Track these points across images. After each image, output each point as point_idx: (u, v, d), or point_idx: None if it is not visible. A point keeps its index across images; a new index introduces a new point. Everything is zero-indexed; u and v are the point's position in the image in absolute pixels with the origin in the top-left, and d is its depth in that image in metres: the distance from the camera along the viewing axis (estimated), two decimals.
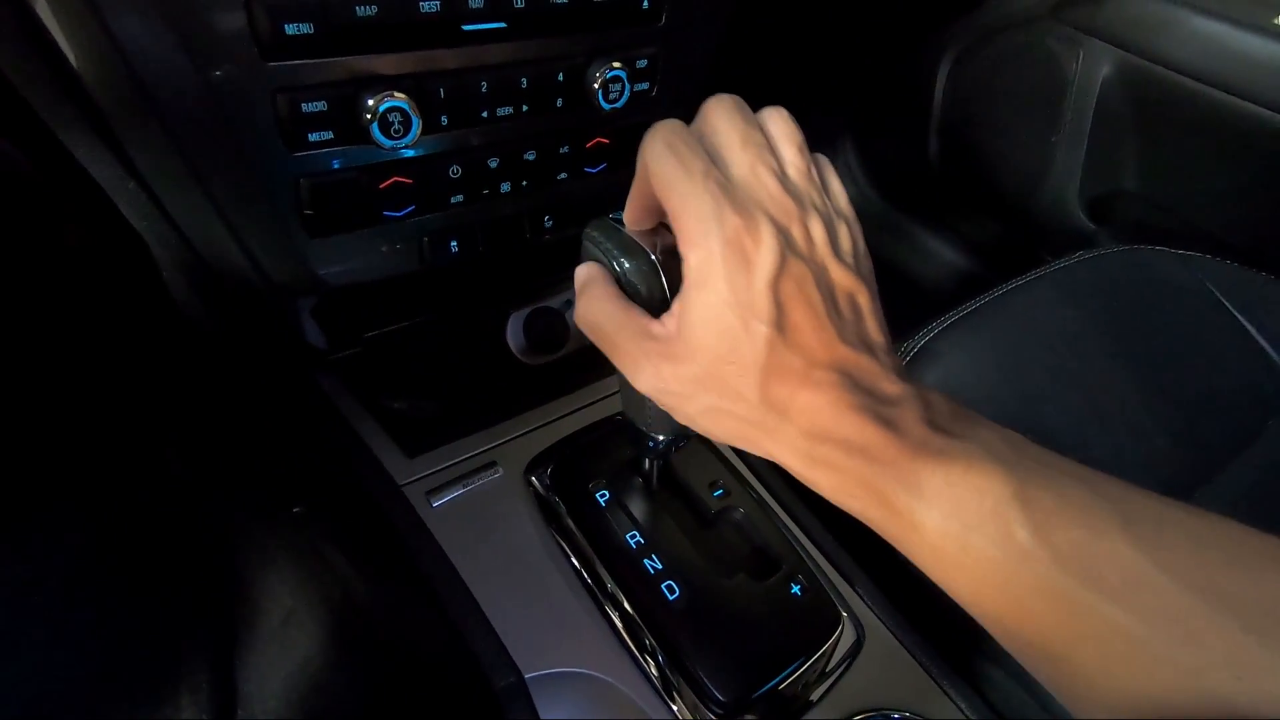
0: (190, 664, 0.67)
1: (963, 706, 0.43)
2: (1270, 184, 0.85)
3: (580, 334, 0.72)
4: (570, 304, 0.68)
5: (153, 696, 0.64)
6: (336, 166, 0.38)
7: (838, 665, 0.44)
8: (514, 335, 0.64)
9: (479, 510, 0.48)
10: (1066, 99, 1.03)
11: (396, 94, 0.36)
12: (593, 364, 0.62)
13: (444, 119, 0.39)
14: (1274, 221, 0.87)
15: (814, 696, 0.43)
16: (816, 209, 0.27)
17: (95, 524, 0.68)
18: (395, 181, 0.40)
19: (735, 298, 0.25)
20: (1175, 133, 0.94)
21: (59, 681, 0.61)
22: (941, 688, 0.44)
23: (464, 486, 0.49)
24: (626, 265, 0.33)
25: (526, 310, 0.65)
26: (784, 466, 0.27)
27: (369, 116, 0.35)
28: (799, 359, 0.25)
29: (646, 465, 0.46)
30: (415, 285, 0.55)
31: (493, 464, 0.50)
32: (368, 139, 0.36)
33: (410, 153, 0.40)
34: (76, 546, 0.67)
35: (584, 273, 0.32)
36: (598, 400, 0.58)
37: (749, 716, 0.41)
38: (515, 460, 0.51)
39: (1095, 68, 0.98)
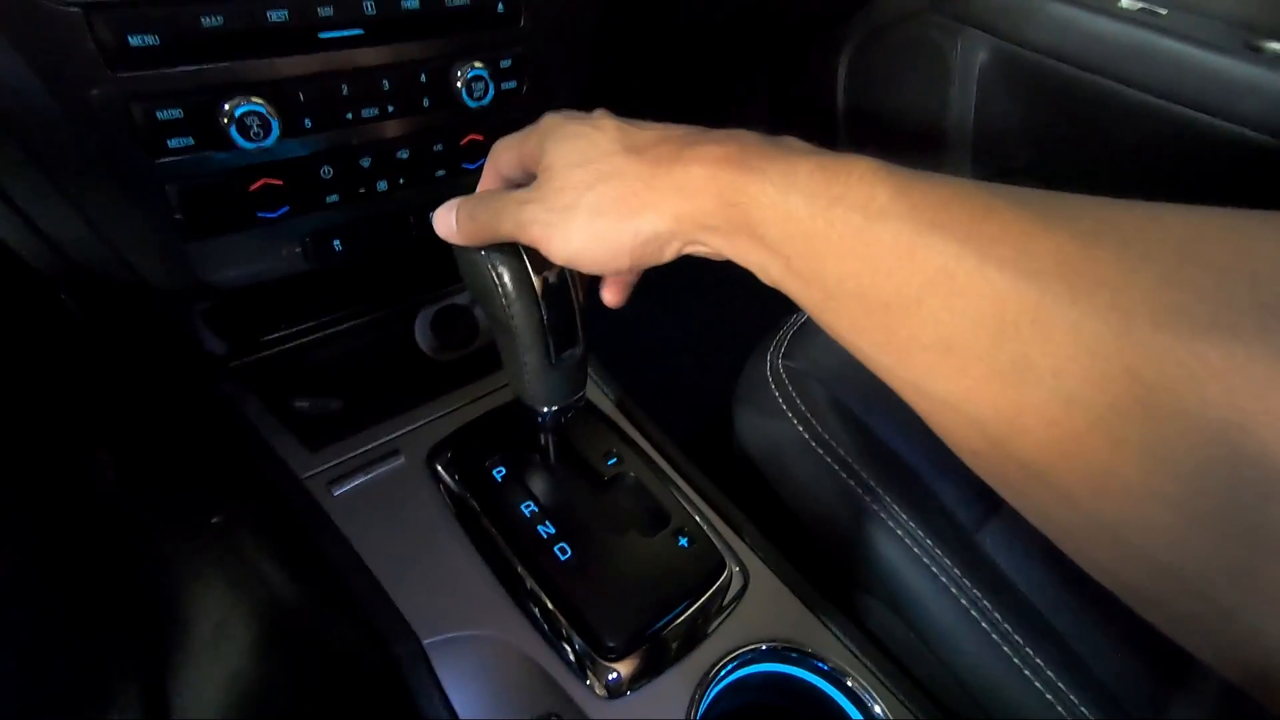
0: (120, 683, 0.67)
1: (838, 633, 0.46)
2: (1131, 152, 0.93)
3: (489, 329, 0.74)
4: (476, 301, 0.70)
5: (81, 717, 0.64)
6: (202, 171, 0.40)
7: (726, 607, 0.47)
8: (422, 332, 0.67)
9: (381, 496, 0.50)
10: (951, 86, 1.10)
11: (253, 99, 0.38)
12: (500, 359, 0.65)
13: (307, 121, 0.42)
14: (1139, 187, 0.95)
15: (706, 633, 0.46)
16: None
17: (16, 546, 0.68)
18: (265, 184, 0.42)
19: (582, 120, 0.32)
20: (1047, 111, 1.01)
21: None
22: (820, 619, 0.47)
23: (366, 474, 0.51)
24: (495, 254, 0.37)
25: (434, 308, 0.67)
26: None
27: (226, 121, 0.38)
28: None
29: (543, 440, 0.49)
30: (312, 286, 0.57)
31: (395, 452, 0.53)
32: (228, 143, 0.39)
33: (277, 155, 0.42)
34: None
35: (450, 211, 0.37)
36: (500, 388, 0.60)
37: (640, 651, 0.43)
38: (418, 447, 0.53)
39: (972, 55, 1.06)
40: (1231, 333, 0.16)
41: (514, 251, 0.37)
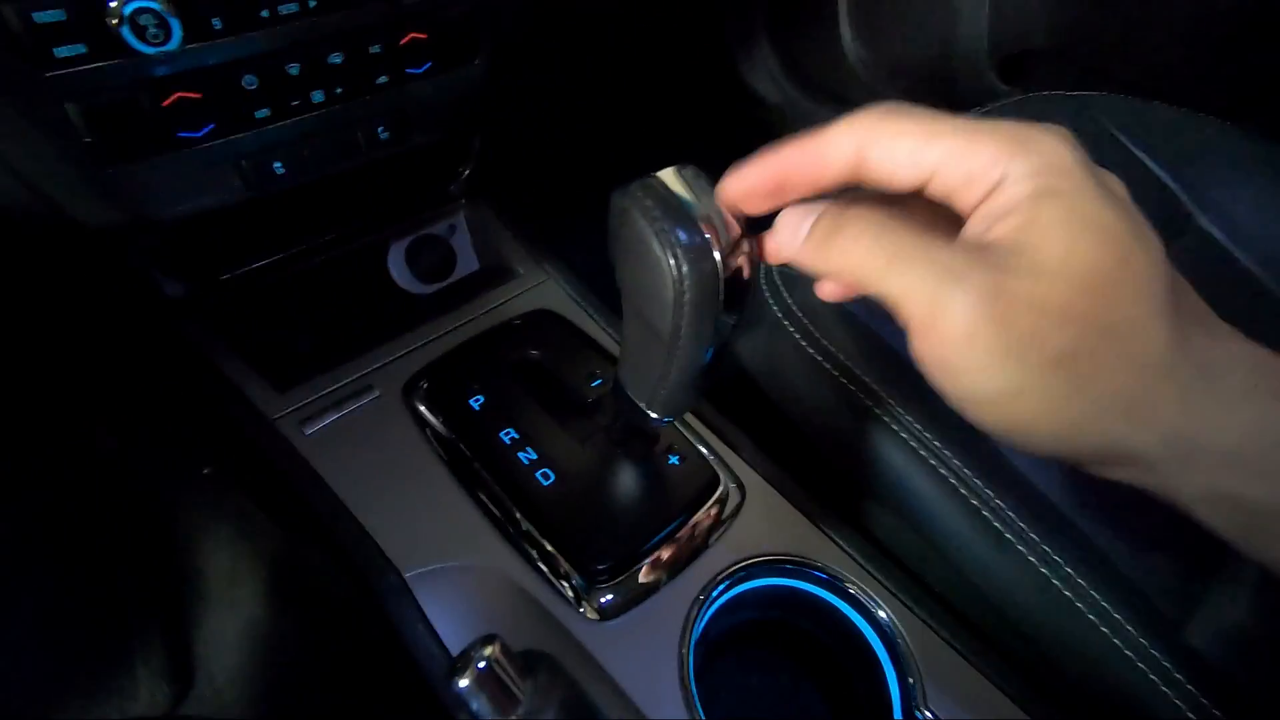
0: (141, 636, 0.68)
1: (840, 541, 0.44)
2: (1169, 13, 0.83)
3: (472, 258, 0.70)
4: (454, 229, 0.66)
5: (106, 672, 0.66)
6: (104, 85, 0.36)
7: (721, 523, 0.45)
8: (396, 266, 0.63)
9: (356, 432, 0.48)
10: None
11: None
12: (482, 285, 0.61)
13: (215, 21, 0.37)
14: (1170, 52, 0.86)
15: (700, 550, 0.44)
16: None
17: (30, 514, 0.68)
18: (180, 97, 0.38)
19: (1114, 203, 0.18)
20: None
21: (6, 677, 0.62)
22: (821, 530, 0.45)
23: (339, 411, 0.48)
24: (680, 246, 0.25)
25: (408, 239, 0.64)
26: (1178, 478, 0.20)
27: (115, 21, 0.33)
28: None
29: (614, 425, 0.42)
30: (266, 217, 0.53)
31: (369, 387, 0.50)
32: (125, 49, 0.34)
33: (188, 63, 0.38)
34: (6, 545, 0.67)
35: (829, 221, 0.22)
36: (480, 315, 0.57)
37: (632, 572, 0.41)
38: (393, 381, 0.51)
39: None
40: None
41: (704, 250, 0.25)
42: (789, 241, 0.23)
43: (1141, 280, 0.18)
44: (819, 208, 0.23)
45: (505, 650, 0.22)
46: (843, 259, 0.21)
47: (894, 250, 0.20)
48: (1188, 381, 0.19)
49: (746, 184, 0.23)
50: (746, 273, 0.27)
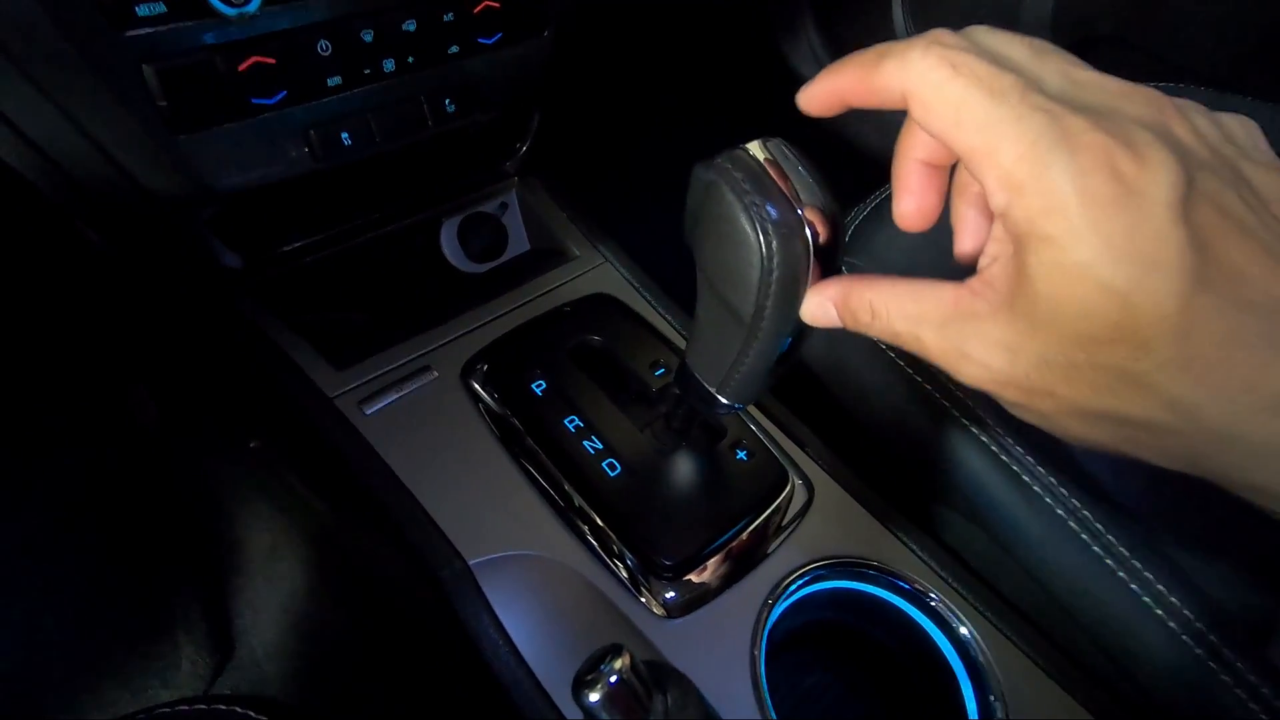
0: (183, 607, 0.68)
1: (915, 547, 0.43)
2: (1245, 5, 0.79)
3: (523, 238, 0.69)
4: (505, 206, 0.65)
5: (147, 641, 0.66)
6: (182, 47, 0.34)
7: (789, 523, 0.44)
8: (449, 244, 0.62)
9: (415, 414, 0.47)
10: None
11: None
12: (536, 267, 0.60)
13: None
14: (1245, 43, 0.82)
15: (768, 551, 0.42)
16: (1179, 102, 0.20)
17: (71, 485, 0.68)
18: (256, 62, 0.37)
19: (1117, 250, 0.17)
20: None
21: (51, 642, 0.63)
22: (894, 533, 0.43)
23: (398, 392, 0.47)
24: (770, 223, 0.24)
25: (459, 217, 0.62)
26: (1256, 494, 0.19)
27: None
28: (1251, 317, 0.17)
29: (672, 417, 0.42)
30: (325, 190, 0.52)
31: (427, 368, 0.49)
32: (204, 9, 0.33)
33: (264, 27, 0.36)
34: (51, 511, 0.67)
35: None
36: (536, 297, 0.56)
37: (700, 570, 0.40)
38: (451, 363, 0.50)
39: None
40: None
41: (795, 226, 0.25)
42: (814, 315, 0.26)
43: (1149, 339, 0.17)
44: (831, 285, 0.25)
45: (634, 663, 0.21)
46: (880, 333, 0.24)
47: (912, 322, 0.22)
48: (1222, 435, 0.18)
49: (816, 91, 0.24)
50: (834, 252, 0.26)
